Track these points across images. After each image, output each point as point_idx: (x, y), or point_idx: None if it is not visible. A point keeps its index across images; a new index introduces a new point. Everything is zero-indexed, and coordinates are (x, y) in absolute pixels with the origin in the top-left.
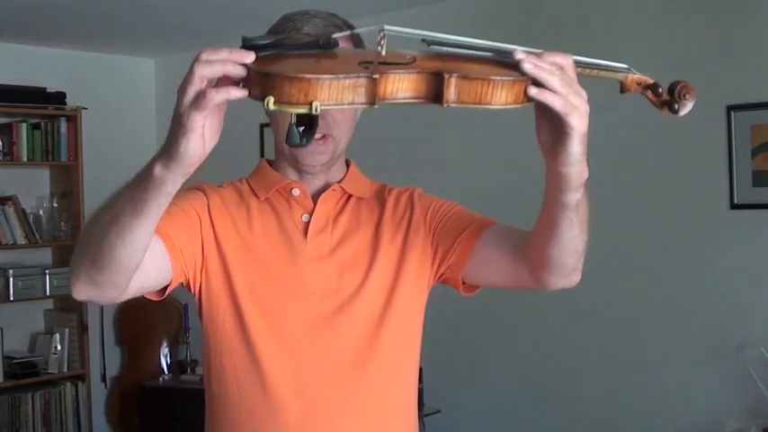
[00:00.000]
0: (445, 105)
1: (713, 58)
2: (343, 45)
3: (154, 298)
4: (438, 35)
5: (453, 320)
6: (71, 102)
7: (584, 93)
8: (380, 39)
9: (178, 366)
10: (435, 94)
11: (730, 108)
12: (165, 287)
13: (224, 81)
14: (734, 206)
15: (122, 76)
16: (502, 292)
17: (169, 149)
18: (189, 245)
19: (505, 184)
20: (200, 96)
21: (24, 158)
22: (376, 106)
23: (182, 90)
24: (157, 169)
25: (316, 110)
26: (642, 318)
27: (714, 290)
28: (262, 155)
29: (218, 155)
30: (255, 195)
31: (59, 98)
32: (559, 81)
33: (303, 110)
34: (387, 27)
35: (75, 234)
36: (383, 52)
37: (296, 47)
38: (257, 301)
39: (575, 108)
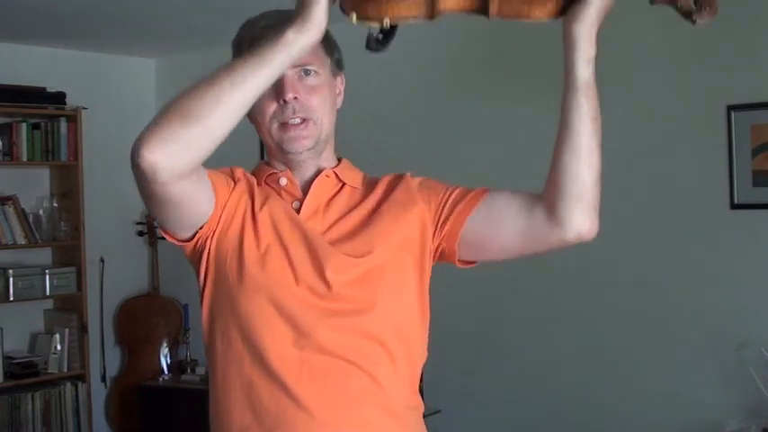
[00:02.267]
0: (491, 17)
1: (713, 58)
2: None
3: (177, 239)
4: None
5: (453, 321)
6: (71, 102)
7: None
8: None
9: (178, 366)
10: (483, 6)
11: (730, 108)
12: (191, 234)
13: None
14: (734, 206)
15: (122, 76)
16: (502, 293)
17: (303, 17)
18: (224, 202)
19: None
20: None
21: (24, 158)
22: (434, 20)
23: None
24: (290, 34)
25: (386, 24)
26: (642, 318)
27: (714, 290)
28: (261, 156)
29: (218, 154)
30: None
31: (59, 98)
32: None
33: (376, 23)
34: None
35: (75, 234)
36: None
37: None
38: (262, 269)
39: None
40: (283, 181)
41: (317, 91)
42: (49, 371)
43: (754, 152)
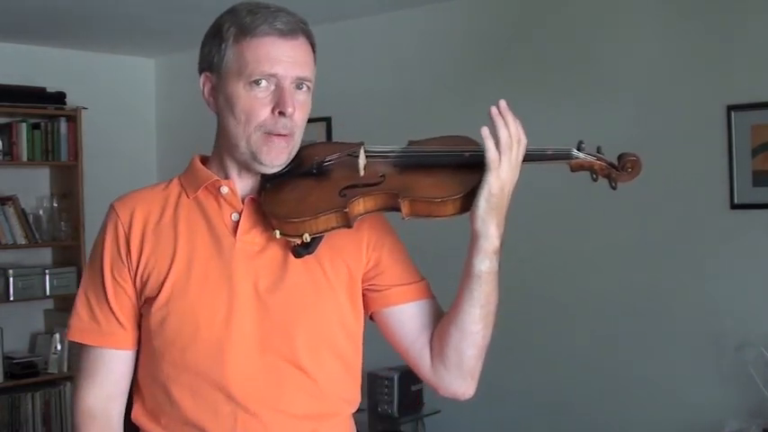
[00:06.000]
0: (403, 218)
1: (713, 58)
2: (305, 46)
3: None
4: (409, 150)
5: None
6: (71, 102)
7: (515, 173)
8: (360, 158)
9: None
10: (394, 207)
11: (730, 108)
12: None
13: None
14: (734, 206)
15: (122, 76)
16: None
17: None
18: (131, 307)
19: None
20: None
21: (24, 158)
22: (352, 226)
23: None
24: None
25: (306, 239)
26: (642, 318)
27: (714, 290)
28: None
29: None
30: (186, 194)
31: (59, 98)
32: (506, 138)
33: (298, 240)
34: (366, 147)
35: (75, 234)
36: (361, 173)
37: (299, 174)
38: (177, 305)
39: (498, 168)
40: (225, 190)
41: (305, 107)
42: (49, 371)
43: (754, 152)
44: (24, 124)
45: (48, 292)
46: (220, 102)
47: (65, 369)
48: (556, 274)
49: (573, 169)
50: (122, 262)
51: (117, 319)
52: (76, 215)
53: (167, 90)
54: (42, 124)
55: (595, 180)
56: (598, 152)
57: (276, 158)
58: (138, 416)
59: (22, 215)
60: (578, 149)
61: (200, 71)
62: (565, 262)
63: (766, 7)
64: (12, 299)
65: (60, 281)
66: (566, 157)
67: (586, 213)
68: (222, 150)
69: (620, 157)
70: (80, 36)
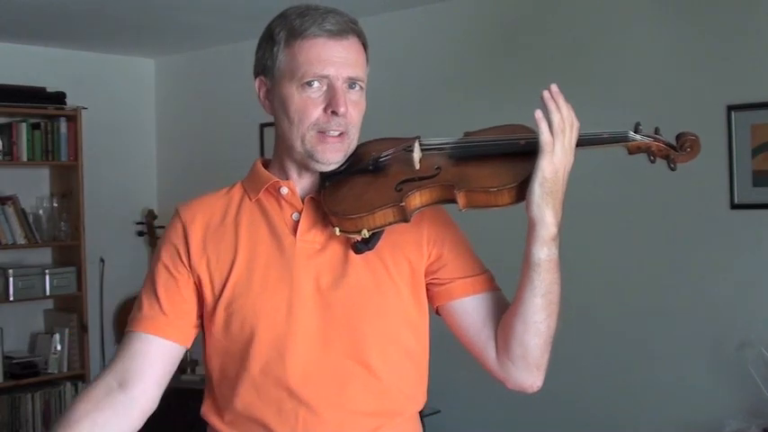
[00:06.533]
0: (461, 210)
1: (713, 58)
2: (356, 45)
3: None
4: (463, 141)
5: None
6: (71, 102)
7: (570, 157)
8: (415, 152)
9: (178, 366)
10: (451, 199)
11: (730, 108)
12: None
13: None
14: (734, 206)
15: (122, 76)
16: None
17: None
18: (180, 299)
19: None
20: None
21: (24, 158)
22: (409, 220)
23: None
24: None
25: (365, 234)
26: (642, 317)
27: (714, 290)
28: (261, 154)
29: (219, 154)
30: (248, 197)
31: (59, 98)
32: (558, 122)
33: (357, 236)
34: (421, 140)
35: (75, 234)
36: (417, 166)
37: (357, 171)
38: (240, 304)
39: (551, 151)
40: (285, 190)
41: (359, 106)
42: (49, 371)
43: (754, 152)
44: (24, 124)
45: (47, 292)
46: (275, 105)
47: (65, 369)
48: None
49: (630, 152)
50: (180, 258)
51: (160, 304)
52: (76, 215)
53: (167, 90)
54: (42, 124)
55: (653, 161)
56: (656, 133)
57: (332, 156)
58: (206, 411)
59: (22, 215)
60: (635, 131)
61: (255, 75)
62: (563, 263)
63: (766, 7)
64: (12, 299)
65: (60, 281)
66: (623, 139)
67: (586, 213)
68: (281, 152)
69: (678, 137)
70: (80, 36)
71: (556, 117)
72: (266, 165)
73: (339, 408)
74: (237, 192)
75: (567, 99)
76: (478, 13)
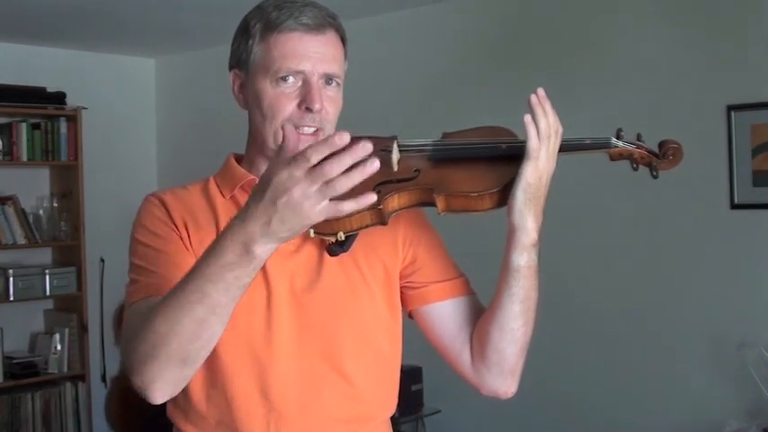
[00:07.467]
0: (440, 214)
1: (713, 58)
2: (333, 40)
3: None
4: (443, 143)
5: None
6: (71, 102)
7: (552, 163)
8: (393, 153)
9: None
10: (429, 202)
11: (730, 108)
12: None
13: None
14: (734, 206)
15: (122, 76)
16: None
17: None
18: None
19: None
20: None
21: (24, 158)
22: (386, 223)
23: None
24: (257, 248)
25: (340, 237)
26: (642, 317)
27: (714, 290)
28: None
29: (219, 154)
30: (221, 193)
31: (59, 98)
32: (545, 127)
33: (333, 238)
34: (399, 141)
35: (75, 234)
36: (395, 168)
37: None
38: None
39: (537, 157)
40: None
41: (335, 102)
42: (49, 371)
43: (754, 152)
44: (24, 124)
45: (47, 292)
46: (249, 99)
47: (65, 369)
48: (554, 276)
49: (612, 158)
50: (167, 224)
51: (169, 263)
52: (76, 215)
53: (167, 90)
54: (42, 124)
55: (636, 169)
56: (638, 140)
57: None
58: (173, 412)
59: (22, 215)
60: (617, 137)
61: (230, 68)
62: (563, 262)
63: (766, 7)
64: (12, 299)
65: (60, 281)
66: (605, 146)
67: (585, 214)
68: (254, 148)
69: (660, 145)
70: (80, 36)
71: (543, 122)
72: (239, 160)
73: (312, 413)
74: (212, 188)
75: (567, 100)
76: (477, 14)
